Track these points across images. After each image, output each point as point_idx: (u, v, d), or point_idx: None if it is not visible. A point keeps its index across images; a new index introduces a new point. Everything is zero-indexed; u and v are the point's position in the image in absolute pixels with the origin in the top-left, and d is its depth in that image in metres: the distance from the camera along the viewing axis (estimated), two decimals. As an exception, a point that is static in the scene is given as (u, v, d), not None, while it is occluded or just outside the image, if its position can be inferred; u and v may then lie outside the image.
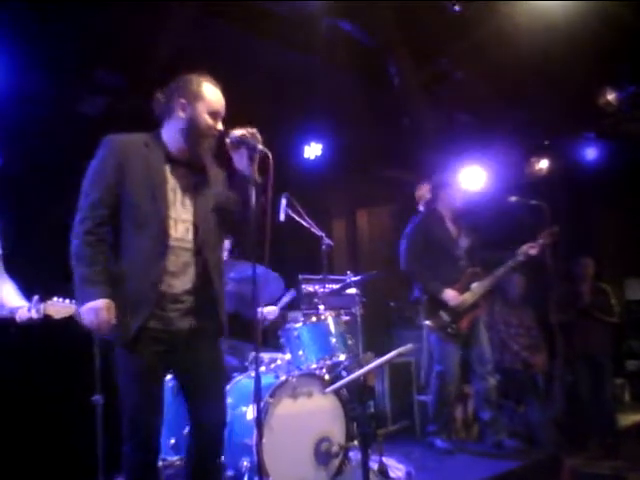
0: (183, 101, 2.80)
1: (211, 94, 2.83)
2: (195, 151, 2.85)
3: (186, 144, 2.84)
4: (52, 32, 4.21)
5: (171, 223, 2.75)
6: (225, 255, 4.35)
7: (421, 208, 5.20)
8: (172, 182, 2.81)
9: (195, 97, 2.80)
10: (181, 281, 2.76)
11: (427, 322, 4.81)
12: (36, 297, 3.13)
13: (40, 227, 3.71)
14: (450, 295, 4.72)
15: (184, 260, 2.77)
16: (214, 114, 2.82)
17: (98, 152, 2.79)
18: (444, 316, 4.75)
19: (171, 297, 2.74)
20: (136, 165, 2.75)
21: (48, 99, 4.57)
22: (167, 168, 2.81)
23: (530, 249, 4.82)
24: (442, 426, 4.83)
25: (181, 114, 2.81)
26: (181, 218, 2.80)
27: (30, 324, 3.08)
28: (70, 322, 3.12)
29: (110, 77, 4.85)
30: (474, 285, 4.82)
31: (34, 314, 3.06)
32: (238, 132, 2.79)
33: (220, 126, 2.83)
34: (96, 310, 2.58)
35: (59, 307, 3.11)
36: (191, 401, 2.84)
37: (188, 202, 2.83)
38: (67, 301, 3.12)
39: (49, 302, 3.10)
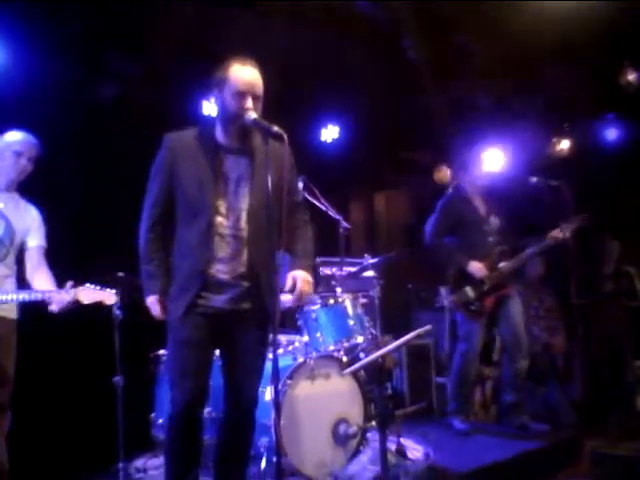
0: (215, 90, 2.87)
1: (237, 75, 2.82)
2: (231, 137, 2.89)
3: (224, 132, 2.90)
4: (65, 17, 4.22)
5: (222, 212, 2.84)
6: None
7: (450, 189, 5.16)
8: (224, 172, 2.87)
9: (222, 83, 2.84)
10: (232, 267, 2.86)
11: (451, 297, 4.78)
12: (69, 283, 3.22)
13: (55, 215, 3.74)
14: (476, 267, 4.69)
15: (236, 248, 2.86)
16: (240, 94, 2.80)
17: (157, 153, 2.96)
18: (469, 292, 4.73)
19: (221, 282, 2.85)
20: (187, 160, 2.86)
21: (60, 84, 4.59)
22: (219, 158, 2.87)
23: (559, 233, 4.76)
24: (461, 405, 4.83)
25: (216, 103, 2.93)
26: (233, 207, 2.87)
27: (61, 309, 3.15)
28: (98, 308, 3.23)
29: (123, 63, 4.86)
30: (501, 264, 4.79)
31: (68, 297, 3.16)
32: (253, 114, 2.79)
33: (250, 104, 2.80)
34: (150, 304, 2.92)
35: (89, 293, 3.20)
36: (228, 379, 2.97)
37: (242, 190, 2.88)
38: (98, 288, 3.23)
39: (80, 287, 3.20)
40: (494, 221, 4.89)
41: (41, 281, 3.35)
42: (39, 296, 3.19)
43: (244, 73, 2.82)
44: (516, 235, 4.97)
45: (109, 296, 3.26)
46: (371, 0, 4.99)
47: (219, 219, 2.84)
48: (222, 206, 2.85)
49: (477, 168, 4.98)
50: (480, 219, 4.86)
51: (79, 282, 3.23)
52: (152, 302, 2.90)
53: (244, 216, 2.87)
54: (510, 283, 4.86)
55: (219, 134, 2.92)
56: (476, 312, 4.73)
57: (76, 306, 3.20)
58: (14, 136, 3.43)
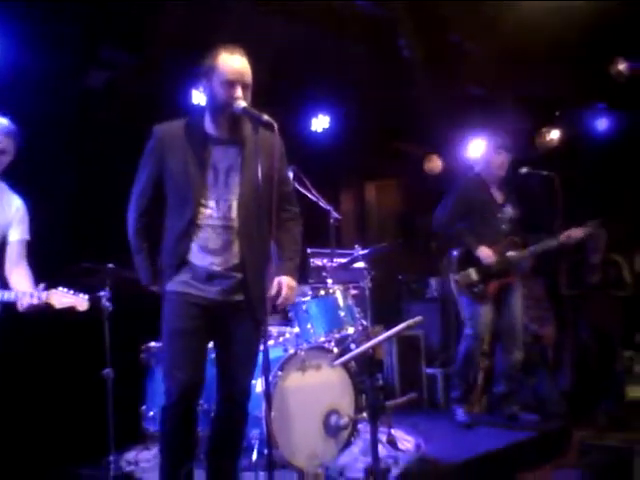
0: (203, 79, 2.86)
1: (226, 64, 2.79)
2: (221, 127, 2.87)
3: (213, 122, 2.88)
4: (56, 6, 4.16)
5: (211, 204, 2.83)
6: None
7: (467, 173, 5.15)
8: (212, 163, 2.85)
9: (210, 71, 2.81)
10: (224, 259, 2.85)
11: (454, 277, 4.78)
12: (42, 285, 3.12)
13: (47, 204, 3.70)
14: (485, 252, 4.68)
15: (227, 238, 2.85)
16: (229, 83, 2.78)
17: (146, 144, 2.95)
18: (473, 274, 4.72)
19: (213, 274, 2.84)
20: (175, 152, 2.85)
21: (52, 73, 4.54)
22: (207, 149, 2.85)
23: (573, 234, 4.76)
24: (464, 392, 4.82)
25: (205, 93, 2.91)
26: (223, 198, 2.85)
27: (31, 311, 3.08)
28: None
29: (114, 52, 4.81)
30: (510, 253, 4.78)
31: (35, 300, 3.05)
32: (242, 103, 2.76)
33: (239, 93, 2.77)
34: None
35: (62, 296, 3.09)
36: (222, 371, 2.97)
37: (232, 181, 2.87)
38: (71, 292, 3.11)
39: (52, 290, 3.09)
40: (508, 210, 4.88)
41: (18, 279, 3.24)
42: (12, 296, 3.11)
43: (233, 62, 2.80)
44: (539, 231, 4.95)
45: (81, 302, 3.10)
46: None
47: (208, 211, 2.83)
48: (211, 197, 2.84)
49: (503, 155, 4.91)
50: (495, 206, 4.85)
51: (54, 284, 3.13)
52: (152, 289, 3.00)
53: (235, 207, 2.86)
54: (515, 272, 4.86)
55: (208, 124, 2.89)
56: (479, 295, 4.72)
57: (47, 308, 3.10)
58: None
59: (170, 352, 2.85)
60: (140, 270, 2.98)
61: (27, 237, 3.37)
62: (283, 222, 3.04)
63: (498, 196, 4.89)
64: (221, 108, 2.82)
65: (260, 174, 2.66)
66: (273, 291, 2.94)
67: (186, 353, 2.81)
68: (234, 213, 2.86)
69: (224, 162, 2.87)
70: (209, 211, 2.83)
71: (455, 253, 4.83)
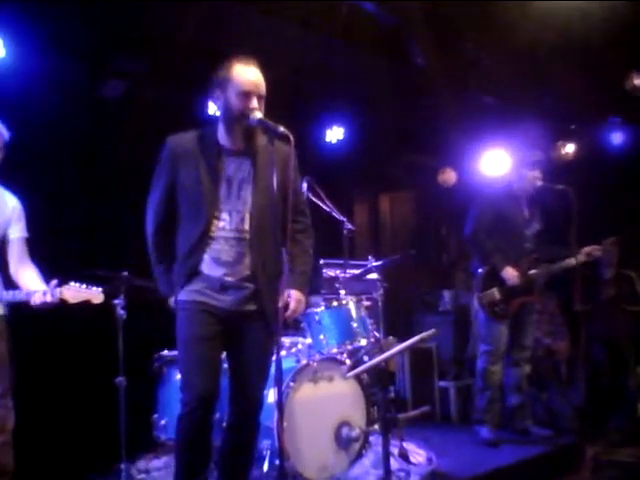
0: (217, 91, 2.84)
1: (240, 75, 2.80)
2: (234, 138, 2.87)
3: (227, 133, 2.87)
4: (73, 16, 4.21)
5: (224, 215, 2.83)
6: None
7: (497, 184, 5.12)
8: (226, 174, 2.86)
9: (225, 82, 2.81)
10: (237, 270, 2.86)
11: (478, 294, 4.76)
12: (54, 281, 3.11)
13: (61, 210, 3.75)
14: (510, 273, 4.64)
15: (239, 250, 2.86)
16: (245, 94, 2.78)
17: (159, 155, 2.95)
18: (495, 293, 4.69)
19: (227, 285, 2.85)
20: (188, 163, 2.85)
21: (69, 83, 4.59)
22: (221, 160, 2.85)
23: (592, 251, 4.75)
24: (486, 410, 4.75)
25: (218, 104, 2.88)
26: (236, 209, 2.85)
27: (44, 308, 3.09)
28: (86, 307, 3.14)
29: (131, 62, 4.85)
30: (532, 271, 4.75)
31: (49, 298, 3.05)
32: (258, 114, 2.77)
33: (255, 104, 2.78)
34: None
35: (75, 292, 3.09)
36: (235, 381, 2.96)
37: (245, 192, 2.87)
38: (84, 286, 3.10)
39: (65, 286, 3.09)
40: (534, 226, 4.85)
41: (27, 278, 3.26)
42: (22, 296, 3.13)
43: (248, 73, 2.81)
44: (553, 245, 4.93)
45: (96, 295, 3.09)
46: (378, 0, 4.98)
47: (221, 223, 2.84)
48: (224, 209, 2.84)
49: (532, 172, 4.85)
50: (523, 222, 4.81)
51: (65, 280, 3.12)
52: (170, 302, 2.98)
53: (247, 218, 2.86)
54: (536, 291, 4.82)
55: (221, 135, 2.90)
56: (500, 314, 4.70)
57: (61, 305, 3.09)
58: None
59: (187, 361, 2.84)
60: (160, 282, 2.99)
61: (26, 235, 3.37)
62: (295, 234, 3.04)
63: (526, 211, 4.87)
64: (236, 119, 2.81)
65: (275, 186, 2.67)
66: (281, 303, 2.89)
67: (203, 361, 2.81)
68: (247, 225, 2.86)
69: (237, 174, 2.88)
70: (222, 223, 2.84)
71: (481, 271, 4.78)
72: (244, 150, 2.89)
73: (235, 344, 2.94)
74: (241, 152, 2.89)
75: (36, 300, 3.07)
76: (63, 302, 3.07)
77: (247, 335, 2.91)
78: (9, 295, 3.17)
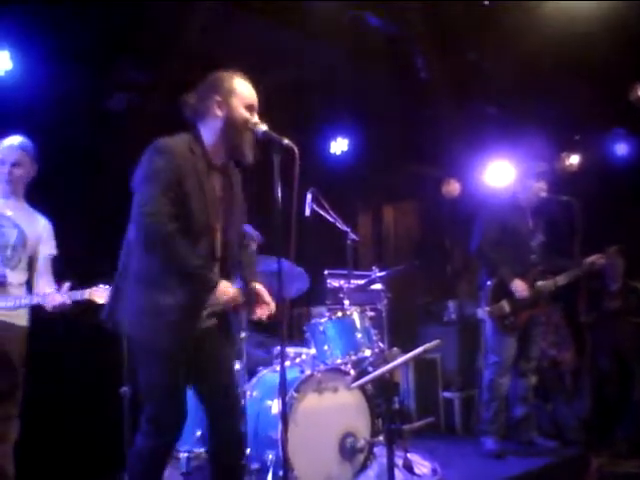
0: (219, 99, 2.77)
1: (244, 88, 2.81)
2: (238, 147, 2.80)
3: (227, 142, 2.80)
4: (78, 28, 4.25)
5: (217, 235, 2.78)
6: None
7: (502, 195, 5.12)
8: (214, 190, 2.79)
9: (229, 93, 2.78)
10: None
11: (487, 308, 4.74)
12: (67, 284, 3.28)
13: (67, 224, 3.77)
14: (519, 286, 4.62)
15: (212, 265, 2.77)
16: (249, 107, 2.79)
17: (153, 157, 2.69)
18: (505, 306, 4.67)
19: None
20: (190, 177, 2.68)
21: (74, 95, 4.62)
22: (211, 175, 2.78)
23: (596, 260, 4.75)
24: (492, 421, 4.73)
25: (218, 112, 2.77)
26: (216, 227, 2.79)
27: (61, 310, 3.17)
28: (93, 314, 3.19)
29: (135, 74, 4.89)
30: (539, 283, 4.75)
31: (66, 299, 3.22)
32: (263, 126, 2.79)
33: (256, 119, 2.80)
34: (224, 290, 2.70)
35: (104, 292, 3.22)
36: (207, 401, 2.85)
37: (220, 209, 2.81)
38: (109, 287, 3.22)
39: (94, 288, 3.25)
40: (540, 238, 4.85)
41: (41, 286, 3.42)
42: (34, 299, 3.27)
43: (249, 87, 2.83)
44: (557, 256, 4.93)
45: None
46: (381, 16, 5.01)
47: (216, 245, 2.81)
48: (217, 230, 2.78)
49: (538, 183, 4.86)
50: (527, 235, 4.81)
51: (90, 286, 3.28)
52: (225, 287, 2.66)
53: (219, 236, 2.80)
54: (543, 303, 4.83)
55: (209, 147, 2.80)
56: (509, 327, 4.69)
57: (76, 307, 3.27)
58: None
59: (163, 382, 2.69)
60: (208, 274, 2.66)
61: (55, 252, 3.55)
62: (244, 245, 3.09)
63: (531, 223, 4.86)
64: (240, 130, 2.78)
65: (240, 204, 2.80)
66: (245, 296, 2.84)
67: (180, 381, 2.71)
68: (219, 243, 2.80)
69: (219, 189, 2.82)
70: (216, 244, 2.81)
71: (489, 283, 4.77)
72: (222, 166, 2.85)
73: (197, 358, 2.78)
74: (220, 168, 2.84)
75: (53, 301, 3.21)
76: (91, 302, 3.22)
77: (208, 346, 2.80)
78: (25, 300, 3.29)
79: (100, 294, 3.24)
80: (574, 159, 7.25)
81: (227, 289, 2.67)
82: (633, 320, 6.03)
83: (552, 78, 5.69)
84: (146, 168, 2.69)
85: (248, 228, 3.35)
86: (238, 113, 2.78)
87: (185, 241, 2.60)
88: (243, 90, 2.81)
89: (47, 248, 3.51)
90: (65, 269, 3.54)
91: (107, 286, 3.21)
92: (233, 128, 2.79)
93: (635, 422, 5.89)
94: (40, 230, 3.50)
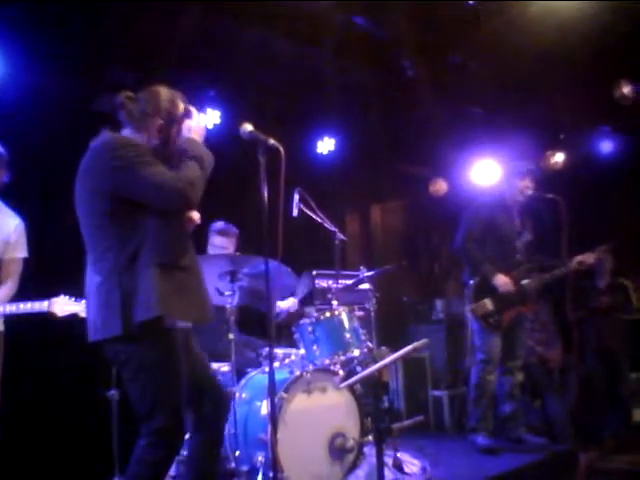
0: (160, 122, 2.70)
1: (198, 122, 2.79)
2: None
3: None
4: (64, 32, 4.22)
5: None
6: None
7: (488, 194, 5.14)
8: None
9: (181, 118, 2.74)
10: None
11: (470, 306, 4.76)
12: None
13: (55, 228, 3.74)
14: (502, 280, 4.65)
15: None
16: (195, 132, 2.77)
17: (120, 151, 2.61)
18: (489, 304, 4.69)
19: None
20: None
21: (62, 97, 4.60)
22: None
23: (585, 259, 4.78)
24: (481, 419, 4.76)
25: (154, 132, 2.71)
26: None
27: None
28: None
29: (123, 75, 4.86)
30: (525, 281, 4.77)
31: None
32: (249, 127, 2.78)
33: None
34: None
35: (63, 304, 3.17)
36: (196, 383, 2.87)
37: None
38: (72, 299, 3.18)
39: (54, 299, 3.14)
40: (526, 237, 4.87)
41: (1, 291, 3.33)
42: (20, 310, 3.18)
43: (201, 122, 2.81)
44: (543, 254, 4.95)
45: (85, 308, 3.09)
46: (367, 18, 5.01)
47: None
48: None
49: (528, 180, 4.88)
50: (514, 232, 4.83)
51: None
52: None
53: None
54: (529, 301, 4.85)
55: None
56: (494, 325, 4.71)
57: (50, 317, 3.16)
58: None
59: (168, 370, 2.69)
60: None
61: (25, 255, 3.40)
62: None
63: (517, 221, 4.88)
64: (170, 152, 2.70)
65: None
66: None
67: (181, 371, 2.74)
68: None
69: None
70: None
71: (472, 282, 4.80)
72: None
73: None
74: None
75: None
76: (51, 315, 3.08)
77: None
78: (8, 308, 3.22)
79: (60, 306, 3.14)
80: (559, 157, 7.28)
81: None
82: (620, 317, 6.08)
83: (536, 77, 5.72)
84: (125, 159, 2.57)
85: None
86: (174, 136, 2.73)
87: None
88: (196, 123, 2.77)
89: (15, 251, 3.36)
90: (51, 272, 3.50)
91: (67, 297, 3.14)
92: (161, 143, 2.73)
93: (623, 418, 5.94)
94: (10, 232, 3.35)
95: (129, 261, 2.54)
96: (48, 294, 3.27)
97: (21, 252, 3.39)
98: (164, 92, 2.75)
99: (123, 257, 2.54)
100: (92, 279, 2.62)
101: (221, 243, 4.52)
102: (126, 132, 2.74)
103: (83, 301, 3.13)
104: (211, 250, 4.54)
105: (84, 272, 2.67)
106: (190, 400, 2.83)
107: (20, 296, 3.39)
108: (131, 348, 2.59)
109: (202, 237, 4.42)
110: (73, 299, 3.17)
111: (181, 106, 2.75)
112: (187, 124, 2.74)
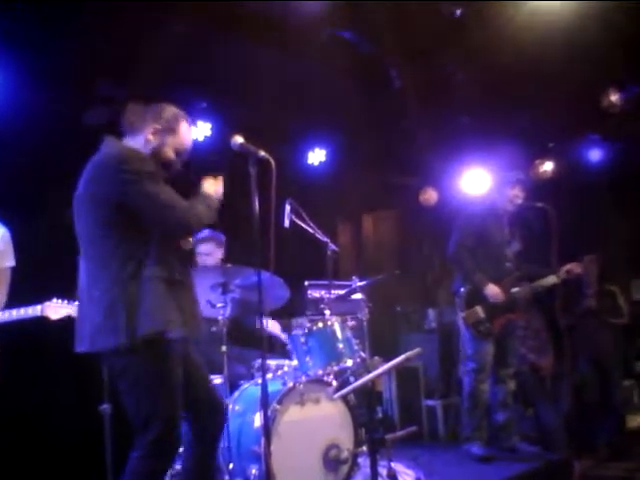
0: (157, 127, 2.77)
1: (185, 133, 2.82)
2: None
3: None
4: (54, 46, 4.23)
5: None
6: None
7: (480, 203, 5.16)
8: None
9: (169, 130, 2.78)
10: None
11: (461, 314, 4.77)
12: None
13: (47, 241, 3.73)
14: (493, 291, 4.67)
15: None
16: (179, 152, 2.82)
17: (128, 165, 2.64)
18: (480, 312, 4.71)
19: None
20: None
21: (53, 110, 4.59)
22: None
23: (572, 268, 4.82)
24: (476, 428, 4.76)
25: (150, 137, 2.77)
26: None
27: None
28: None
29: (112, 88, 4.87)
30: (514, 290, 4.79)
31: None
32: (239, 139, 2.79)
33: (178, 165, 2.82)
34: None
35: (56, 308, 3.18)
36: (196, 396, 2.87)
37: None
38: (64, 302, 3.19)
39: (47, 303, 3.15)
40: (515, 246, 4.90)
41: None
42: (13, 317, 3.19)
43: (190, 135, 2.86)
44: (533, 263, 4.97)
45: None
46: (354, 32, 5.05)
47: None
48: None
49: (517, 189, 4.90)
50: (503, 243, 4.85)
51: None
52: None
53: None
54: (519, 309, 4.87)
55: None
56: (485, 332, 4.72)
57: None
58: None
59: (165, 379, 2.69)
60: None
61: (12, 264, 3.40)
62: None
63: (507, 230, 4.91)
64: (160, 164, 2.75)
65: None
66: None
67: (179, 381, 2.77)
68: None
69: None
70: None
71: (463, 290, 4.81)
72: None
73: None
74: None
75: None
76: (45, 319, 3.10)
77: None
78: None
79: (53, 310, 3.15)
80: (548, 166, 7.32)
81: None
82: (609, 320, 6.09)
83: (525, 86, 5.75)
84: (131, 174, 2.61)
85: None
86: (166, 151, 2.78)
87: None
88: (183, 134, 2.82)
89: (3, 259, 3.37)
90: (41, 283, 3.49)
91: (60, 300, 3.15)
92: (156, 160, 2.77)
93: (616, 426, 5.94)
94: None
95: (133, 272, 2.55)
96: (40, 299, 3.29)
97: (8, 261, 3.40)
98: (170, 107, 2.83)
99: (127, 268, 2.55)
100: (90, 288, 2.61)
101: (206, 250, 4.50)
102: (128, 141, 2.80)
103: (76, 302, 3.08)
104: (198, 258, 4.53)
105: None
106: (187, 411, 2.82)
107: (10, 305, 3.39)
108: (129, 359, 2.59)
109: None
110: (65, 302, 3.20)
111: (183, 124, 2.80)
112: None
